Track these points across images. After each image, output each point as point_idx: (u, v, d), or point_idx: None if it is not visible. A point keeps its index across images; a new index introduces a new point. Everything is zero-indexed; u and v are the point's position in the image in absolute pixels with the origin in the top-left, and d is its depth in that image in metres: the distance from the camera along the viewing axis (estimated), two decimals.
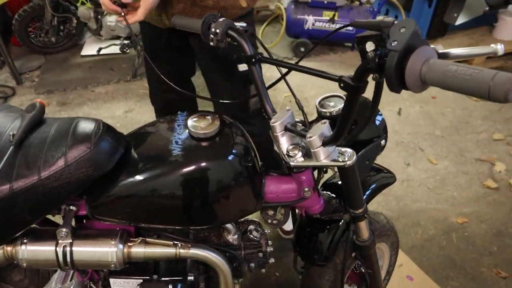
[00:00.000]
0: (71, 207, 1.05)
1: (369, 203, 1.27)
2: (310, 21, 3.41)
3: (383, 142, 1.16)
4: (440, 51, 0.70)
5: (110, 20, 3.51)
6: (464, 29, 3.63)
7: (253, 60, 1.04)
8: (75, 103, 3.19)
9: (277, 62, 1.00)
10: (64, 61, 3.74)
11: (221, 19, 1.07)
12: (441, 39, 3.55)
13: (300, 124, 1.02)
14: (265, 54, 1.10)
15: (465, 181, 2.49)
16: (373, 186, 1.30)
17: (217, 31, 1.05)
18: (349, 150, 0.97)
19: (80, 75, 3.54)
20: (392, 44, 0.65)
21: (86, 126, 1.01)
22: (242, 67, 1.54)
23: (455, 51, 0.71)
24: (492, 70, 0.56)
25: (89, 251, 1.04)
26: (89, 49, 3.78)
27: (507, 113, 3.05)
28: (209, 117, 1.01)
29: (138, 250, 1.08)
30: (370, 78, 0.75)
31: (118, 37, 3.63)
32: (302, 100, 2.80)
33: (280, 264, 1.96)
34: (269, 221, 1.18)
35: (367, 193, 1.28)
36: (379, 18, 0.80)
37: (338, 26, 3.41)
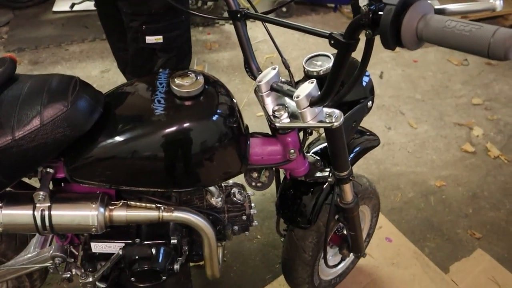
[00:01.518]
0: (48, 170, 1.01)
1: (353, 165, 1.27)
2: None
3: (369, 103, 1.14)
4: (436, 6, 0.67)
5: None
6: None
7: (238, 15, 0.98)
8: (48, 62, 3.05)
9: (264, 17, 0.95)
10: (35, 17, 3.55)
11: None
12: None
13: (287, 84, 0.98)
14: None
15: (444, 145, 2.53)
16: (357, 149, 1.30)
17: None
18: (336, 111, 0.95)
19: (52, 32, 3.37)
20: None
21: (62, 84, 0.95)
22: (150, 39, 1.51)
23: (451, 6, 0.68)
24: (493, 26, 0.53)
25: (68, 215, 1.01)
26: (62, 4, 3.59)
27: (486, 78, 3.08)
28: (192, 75, 0.96)
29: (120, 213, 1.05)
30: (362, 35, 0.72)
31: None
32: None
33: (262, 227, 1.97)
34: (253, 183, 1.16)
35: (352, 155, 1.27)
36: None
37: None
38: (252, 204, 1.27)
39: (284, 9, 3.37)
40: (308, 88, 0.90)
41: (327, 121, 0.94)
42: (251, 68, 1.03)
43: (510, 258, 1.97)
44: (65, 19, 3.52)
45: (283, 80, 1.02)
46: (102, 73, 2.94)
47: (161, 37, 1.53)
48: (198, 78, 0.96)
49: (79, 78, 0.98)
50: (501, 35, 0.52)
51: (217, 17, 1.59)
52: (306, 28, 0.85)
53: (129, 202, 1.06)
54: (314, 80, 0.93)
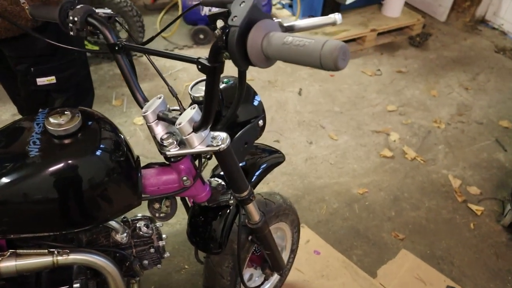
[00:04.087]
0: None
1: (258, 183, 1.28)
2: (206, 7, 3.35)
3: (260, 122, 1.15)
4: (285, 24, 0.70)
5: None
6: (355, 8, 3.79)
7: (116, 48, 0.97)
8: None
9: (139, 48, 0.94)
10: None
11: (79, 6, 0.99)
12: None
13: (172, 112, 0.97)
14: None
15: (364, 153, 2.62)
16: (262, 167, 1.30)
17: (75, 19, 0.97)
18: (222, 134, 0.94)
19: None
20: (233, 20, 0.64)
21: None
22: (42, 81, 1.46)
23: (299, 23, 0.71)
24: (323, 39, 0.55)
25: None
26: None
27: (398, 85, 3.25)
28: (68, 113, 0.92)
29: (9, 264, 0.97)
30: None
31: None
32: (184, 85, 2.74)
33: (189, 257, 1.92)
34: (157, 214, 1.13)
35: (257, 173, 1.28)
36: None
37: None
38: (163, 236, 1.24)
39: (201, 35, 3.40)
40: (190, 114, 0.89)
41: (214, 145, 0.93)
42: (137, 99, 1.02)
43: (432, 254, 2.05)
44: None
45: (172, 108, 1.01)
46: (14, 116, 2.79)
47: (53, 77, 1.45)
48: (76, 115, 0.93)
49: None
50: (329, 47, 0.54)
51: (97, 51, 1.54)
52: (177, 56, 0.85)
53: (18, 251, 0.99)
54: (196, 106, 0.92)
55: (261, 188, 2.25)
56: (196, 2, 3.47)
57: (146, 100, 1.02)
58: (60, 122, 0.90)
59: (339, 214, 2.21)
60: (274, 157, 1.36)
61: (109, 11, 1.06)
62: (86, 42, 3.05)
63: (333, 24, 0.70)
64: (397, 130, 2.81)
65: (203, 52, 3.22)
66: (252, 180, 1.26)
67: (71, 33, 1.00)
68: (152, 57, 1.01)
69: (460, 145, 2.76)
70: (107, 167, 0.94)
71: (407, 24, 3.85)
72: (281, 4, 3.74)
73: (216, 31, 0.68)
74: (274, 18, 0.69)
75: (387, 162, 2.56)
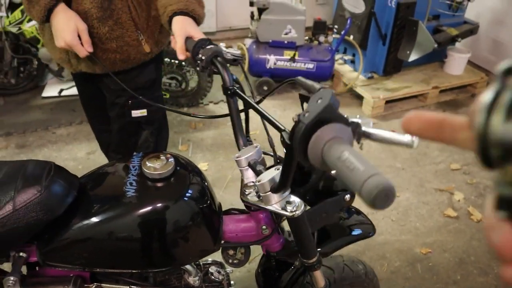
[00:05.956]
0: (21, 254, 1.01)
1: (332, 253, 1.22)
2: (272, 60, 3.50)
3: (347, 196, 1.06)
4: (363, 128, 0.66)
5: None
6: (417, 65, 3.81)
7: (228, 92, 1.04)
8: (35, 145, 3.10)
9: (245, 98, 1.01)
10: (24, 102, 3.67)
11: (209, 46, 1.08)
12: (397, 75, 3.71)
13: (261, 164, 0.97)
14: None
15: (427, 211, 2.55)
16: (343, 238, 1.21)
17: (203, 57, 1.07)
18: (297, 200, 0.93)
19: (40, 116, 3.47)
20: (305, 116, 0.60)
21: (37, 169, 0.98)
22: (136, 113, 1.60)
23: (377, 132, 0.66)
24: (372, 170, 0.49)
25: None
26: (51, 90, 3.72)
27: None
28: (163, 157, 1.00)
29: None
30: None
31: None
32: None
33: None
34: (230, 261, 1.16)
35: (335, 243, 1.20)
36: (316, 85, 0.78)
37: (298, 64, 3.52)
38: (232, 282, 1.27)
39: (265, 87, 3.53)
40: (272, 174, 0.89)
41: (288, 210, 0.92)
42: (238, 141, 1.06)
43: None
44: (53, 104, 3.63)
45: (266, 152, 1.04)
46: (88, 154, 2.98)
47: (145, 110, 1.62)
48: (169, 160, 1.01)
49: (54, 163, 1.02)
50: (371, 184, 0.47)
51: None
52: (268, 117, 0.90)
53: (103, 285, 1.05)
54: (280, 168, 0.88)
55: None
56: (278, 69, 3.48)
57: (245, 144, 1.06)
58: (155, 166, 0.98)
59: (400, 274, 2.14)
60: (361, 228, 1.23)
61: (238, 52, 1.13)
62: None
63: (409, 146, 0.66)
64: (461, 190, 2.72)
65: (265, 103, 3.32)
66: (327, 247, 1.18)
67: (197, 68, 1.10)
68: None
69: None
70: (193, 212, 0.99)
71: (470, 82, 3.80)
72: (343, 60, 3.83)
73: (293, 117, 0.65)
74: (353, 119, 0.65)
75: (452, 222, 2.47)
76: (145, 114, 1.64)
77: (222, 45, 1.18)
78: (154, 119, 1.70)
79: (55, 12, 1.33)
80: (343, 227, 1.21)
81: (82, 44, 1.35)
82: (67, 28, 1.32)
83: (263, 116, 0.93)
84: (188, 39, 1.21)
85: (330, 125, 0.58)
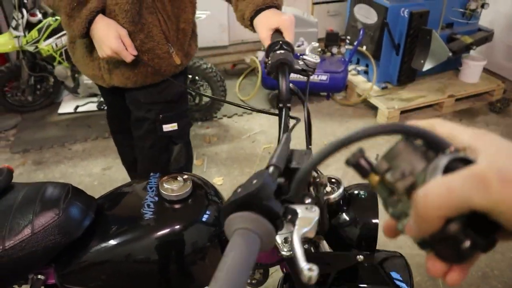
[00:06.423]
0: (39, 276, 1.01)
1: None
2: None
3: (360, 257, 0.91)
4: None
5: (87, 78, 3.54)
6: (432, 74, 3.77)
7: (281, 104, 0.98)
8: (51, 162, 3.14)
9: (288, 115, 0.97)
10: (41, 119, 3.72)
11: (278, 51, 1.01)
12: (411, 84, 3.67)
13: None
14: None
15: None
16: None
17: (269, 62, 1.01)
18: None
19: (57, 133, 3.51)
20: (237, 191, 0.54)
21: (55, 191, 0.98)
22: (167, 127, 1.59)
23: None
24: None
25: None
26: (67, 107, 3.78)
27: None
28: (181, 179, 0.99)
29: None
30: None
31: (95, 95, 3.65)
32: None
33: None
34: (249, 281, 1.14)
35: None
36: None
37: (312, 76, 3.50)
38: None
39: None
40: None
41: (285, 250, 0.79)
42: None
43: None
44: (69, 120, 3.68)
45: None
46: (104, 170, 3.00)
47: (176, 124, 1.62)
48: (187, 181, 1.00)
49: (72, 185, 1.02)
50: None
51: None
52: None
53: None
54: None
55: None
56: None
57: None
58: (173, 188, 0.97)
59: None
60: (396, 268, 1.10)
61: (314, 60, 1.07)
62: None
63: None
64: None
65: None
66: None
67: (265, 69, 1.04)
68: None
69: None
70: (210, 233, 0.98)
71: (487, 89, 3.75)
72: (357, 71, 3.81)
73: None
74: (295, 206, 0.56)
75: None
76: (176, 128, 1.63)
77: (309, 47, 1.11)
78: (184, 133, 1.71)
79: (94, 23, 1.35)
80: (377, 272, 1.08)
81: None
82: (111, 34, 1.34)
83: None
84: (275, 33, 1.13)
85: (242, 213, 0.51)
